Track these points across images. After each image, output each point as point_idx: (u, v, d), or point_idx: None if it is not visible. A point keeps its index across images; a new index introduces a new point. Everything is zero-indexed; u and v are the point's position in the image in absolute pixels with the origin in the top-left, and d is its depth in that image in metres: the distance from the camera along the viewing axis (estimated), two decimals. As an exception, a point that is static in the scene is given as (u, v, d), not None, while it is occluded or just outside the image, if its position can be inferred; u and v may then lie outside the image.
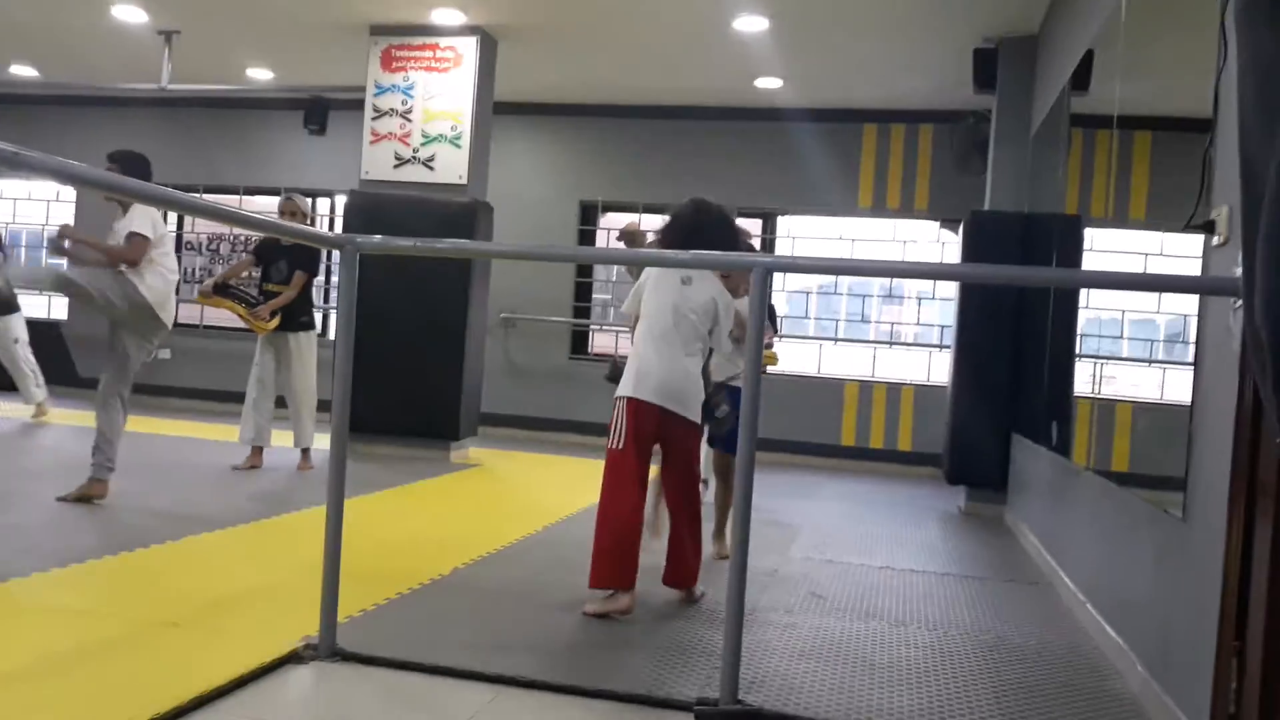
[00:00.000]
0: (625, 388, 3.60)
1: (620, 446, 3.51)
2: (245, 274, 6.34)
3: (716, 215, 3.75)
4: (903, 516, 6.32)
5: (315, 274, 6.24)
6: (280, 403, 6.30)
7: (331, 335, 9.34)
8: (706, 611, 3.63)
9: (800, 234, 9.06)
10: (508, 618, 3.37)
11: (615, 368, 3.89)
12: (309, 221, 6.33)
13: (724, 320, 3.73)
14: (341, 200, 9.35)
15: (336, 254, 3.03)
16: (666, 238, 3.73)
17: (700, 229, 3.69)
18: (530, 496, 6.15)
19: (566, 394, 9.18)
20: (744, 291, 4.42)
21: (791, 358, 9.45)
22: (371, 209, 7.08)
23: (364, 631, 3.06)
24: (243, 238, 9.79)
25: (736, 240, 3.78)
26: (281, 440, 6.43)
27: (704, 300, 3.71)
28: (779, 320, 6.06)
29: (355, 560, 3.76)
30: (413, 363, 7.12)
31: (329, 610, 2.80)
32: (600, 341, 9.69)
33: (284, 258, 6.09)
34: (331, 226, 9.79)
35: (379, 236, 2.83)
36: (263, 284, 6.16)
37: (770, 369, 6.26)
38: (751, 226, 8.51)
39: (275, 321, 6.03)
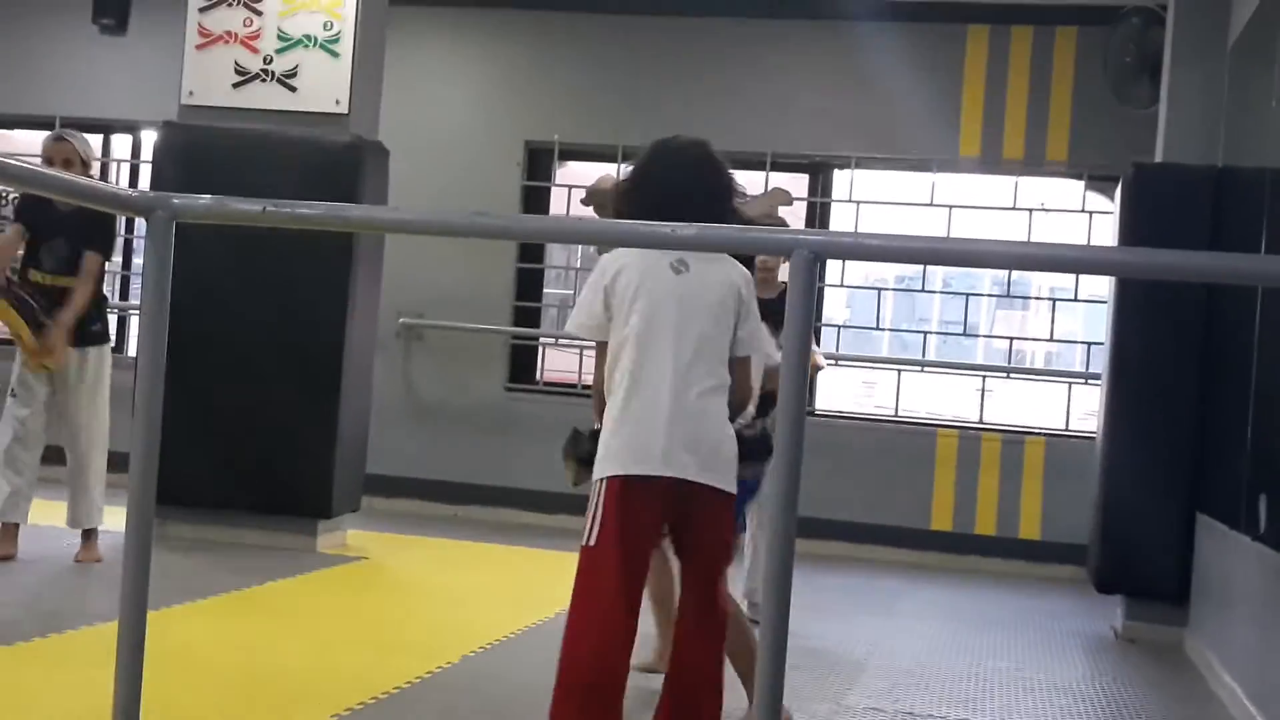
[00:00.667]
0: (605, 459, 3.50)
1: (594, 544, 3.45)
2: (15, 254, 6.30)
3: (698, 163, 3.72)
4: (1026, 643, 6.31)
5: (110, 255, 6.22)
6: (52, 456, 6.26)
7: (131, 352, 9.31)
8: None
9: (869, 197, 9.10)
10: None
11: (580, 440, 3.69)
12: (91, 174, 6.30)
13: (749, 301, 3.66)
14: (151, 137, 9.34)
15: (141, 223, 3.01)
16: (630, 209, 3.67)
17: (674, 190, 3.62)
18: (441, 609, 6.12)
19: (503, 446, 9.16)
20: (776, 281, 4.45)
21: (850, 391, 9.46)
22: (197, 152, 7.06)
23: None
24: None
25: (731, 202, 3.73)
26: (50, 515, 6.40)
27: (717, 287, 3.63)
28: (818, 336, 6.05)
29: (165, 711, 3.72)
30: (260, 396, 7.10)
31: (120, 789, 2.77)
32: (556, 363, 9.68)
33: (62, 233, 6.08)
34: (134, 179, 9.75)
35: (207, 197, 2.82)
36: (26, 272, 6.12)
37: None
38: (793, 185, 8.54)
39: (58, 350, 6.01)
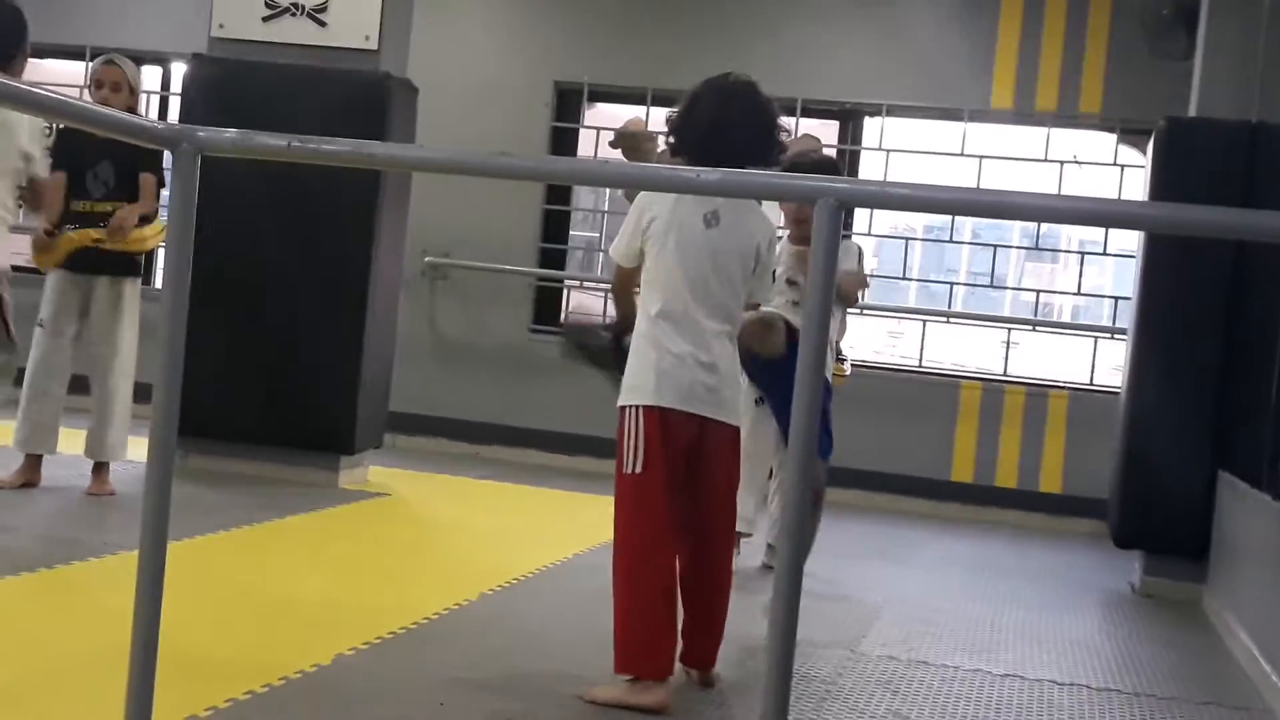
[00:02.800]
0: (642, 390, 3.83)
1: (639, 470, 3.80)
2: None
3: (748, 102, 3.90)
4: (1044, 596, 6.33)
5: (162, 178, 6.18)
6: (77, 385, 6.30)
7: (159, 284, 9.34)
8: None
9: (899, 145, 9.05)
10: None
11: (578, 329, 4.17)
12: (136, 101, 6.30)
13: (767, 259, 4.02)
14: (181, 70, 9.33)
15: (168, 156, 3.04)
16: (677, 142, 3.92)
17: (724, 126, 3.83)
18: (463, 545, 6.16)
19: (526, 387, 9.18)
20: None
21: (875, 341, 9.44)
22: (226, 86, 7.06)
23: (192, 750, 3.05)
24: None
25: (776, 141, 3.96)
26: (74, 444, 6.44)
27: (741, 244, 3.93)
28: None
29: (183, 640, 3.75)
30: (285, 333, 7.12)
31: (138, 715, 2.80)
32: (580, 305, 9.68)
33: (106, 156, 6.08)
34: (164, 111, 9.75)
35: (233, 131, 2.82)
36: (72, 202, 6.11)
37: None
38: (823, 132, 8.50)
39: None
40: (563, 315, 9.46)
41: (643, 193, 3.96)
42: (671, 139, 3.96)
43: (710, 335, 3.85)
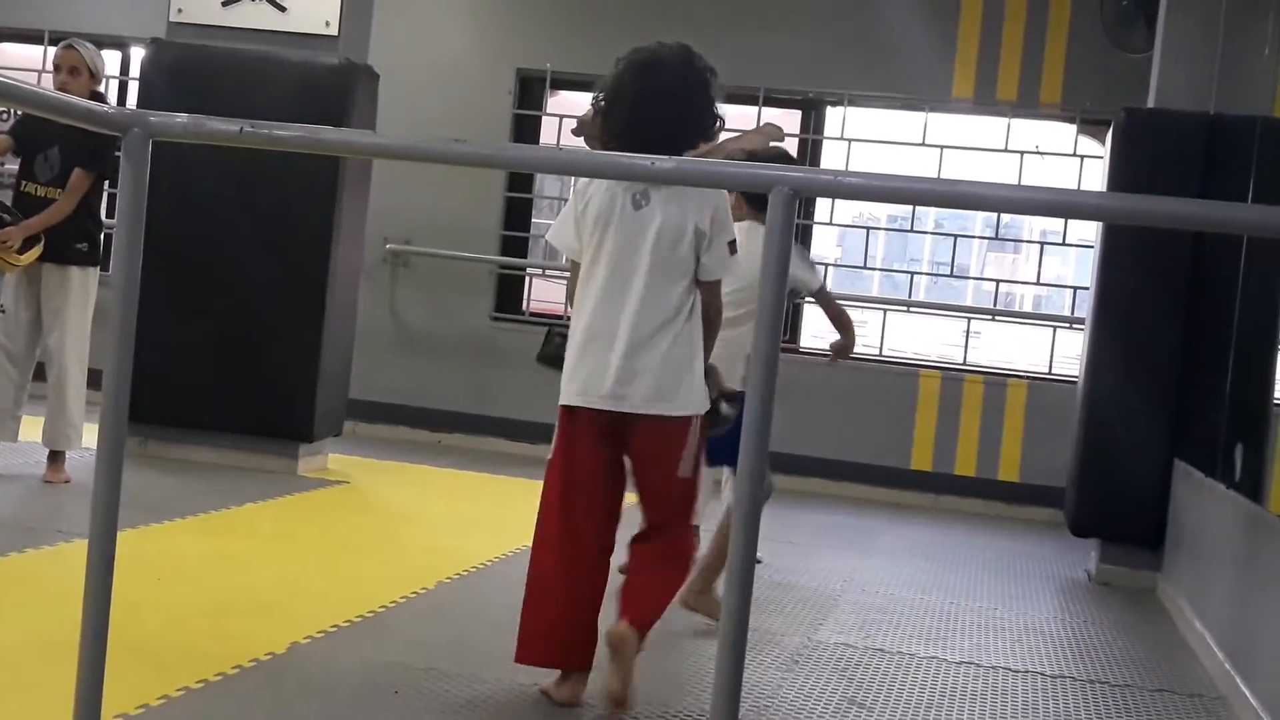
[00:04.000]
0: (564, 389, 3.75)
1: (549, 458, 3.78)
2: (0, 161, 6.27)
3: (672, 73, 3.67)
4: (1000, 584, 6.35)
5: (105, 172, 6.14)
6: (40, 374, 6.25)
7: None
8: (686, 708, 3.63)
9: (861, 135, 9.06)
10: (373, 724, 3.36)
11: (554, 344, 4.00)
12: (98, 85, 6.24)
13: (719, 232, 3.71)
14: (140, 54, 9.25)
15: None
16: (604, 122, 3.73)
17: (648, 100, 3.63)
18: (421, 534, 6.15)
19: (488, 375, 9.16)
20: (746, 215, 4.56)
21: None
22: (185, 71, 7.01)
23: (144, 739, 3.03)
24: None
25: (709, 115, 3.72)
26: (33, 433, 6.39)
27: (675, 221, 3.66)
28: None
29: (137, 628, 3.74)
30: (244, 320, 7.08)
31: (88, 704, 2.78)
32: (542, 293, 9.66)
33: (57, 142, 6.03)
34: (122, 96, 9.67)
35: (184, 116, 2.79)
36: (22, 184, 6.09)
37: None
38: (786, 121, 8.48)
39: (32, 254, 5.97)
40: (524, 304, 9.45)
41: (579, 181, 3.83)
42: (590, 128, 3.86)
43: (643, 325, 3.63)
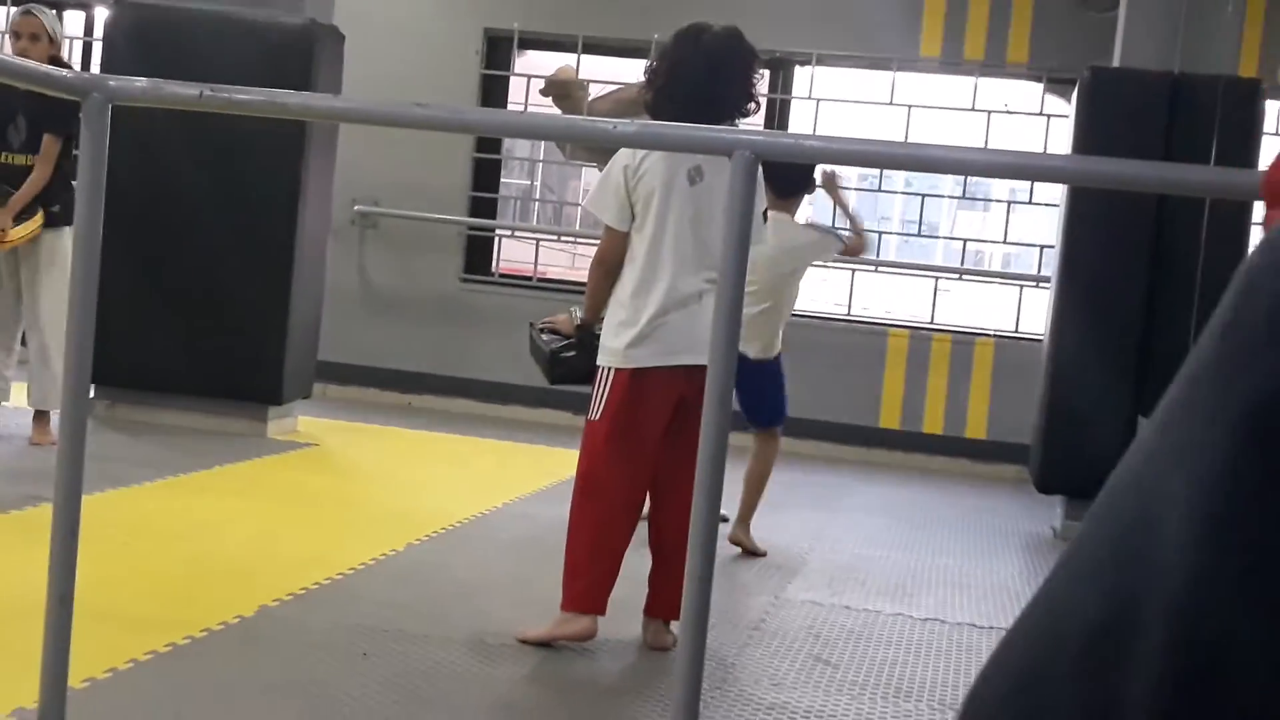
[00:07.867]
0: (629, 351, 3.83)
1: (598, 419, 3.85)
2: None
3: (737, 58, 3.99)
4: (966, 541, 6.40)
5: (73, 133, 6.11)
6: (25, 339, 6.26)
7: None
8: (664, 668, 3.65)
9: (829, 95, 9.05)
10: (343, 687, 3.38)
11: (562, 359, 4.05)
12: (58, 50, 6.19)
13: (757, 205, 4.01)
14: (102, 16, 9.17)
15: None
16: (659, 96, 3.92)
17: (716, 82, 3.89)
18: (391, 495, 6.15)
19: (457, 336, 9.15)
20: None
21: (806, 290, 9.47)
22: (149, 33, 6.95)
23: (112, 704, 3.02)
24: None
25: (755, 92, 4.04)
26: (22, 397, 6.38)
27: (723, 198, 3.86)
28: None
29: (104, 591, 3.74)
30: (212, 282, 7.06)
31: (54, 668, 2.79)
32: (512, 254, 9.65)
33: (22, 112, 6.00)
34: (86, 58, 9.58)
35: (143, 80, 2.78)
36: None
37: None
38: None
39: (29, 227, 5.95)
40: (494, 265, 9.43)
41: (623, 149, 3.94)
42: (652, 93, 3.99)
43: (697, 290, 3.87)
